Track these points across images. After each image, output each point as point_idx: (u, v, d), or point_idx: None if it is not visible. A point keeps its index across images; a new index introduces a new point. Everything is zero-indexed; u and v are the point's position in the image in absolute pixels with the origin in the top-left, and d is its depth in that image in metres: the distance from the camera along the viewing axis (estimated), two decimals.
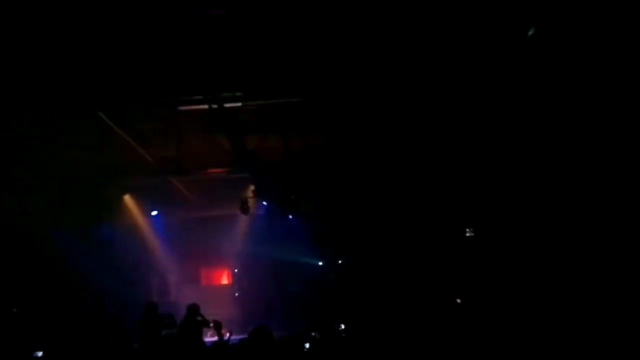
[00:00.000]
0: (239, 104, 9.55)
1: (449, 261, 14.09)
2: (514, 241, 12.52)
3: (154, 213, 15.01)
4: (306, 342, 6.19)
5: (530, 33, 7.29)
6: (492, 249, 13.14)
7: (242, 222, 15.63)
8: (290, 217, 12.12)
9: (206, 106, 9.11)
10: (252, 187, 12.90)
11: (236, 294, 16.79)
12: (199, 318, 9.96)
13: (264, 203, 13.87)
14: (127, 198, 14.03)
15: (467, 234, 14.26)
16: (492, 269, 12.95)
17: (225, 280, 18.47)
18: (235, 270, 17.86)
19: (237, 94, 9.34)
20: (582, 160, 9.68)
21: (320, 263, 16.26)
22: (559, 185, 10.68)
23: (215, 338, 8.43)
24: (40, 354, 9.76)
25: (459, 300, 13.53)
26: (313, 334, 11.87)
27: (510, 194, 12.31)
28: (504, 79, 9.10)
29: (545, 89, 9.07)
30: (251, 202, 13.23)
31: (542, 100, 9.35)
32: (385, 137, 11.70)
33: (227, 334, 12.44)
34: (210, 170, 12.44)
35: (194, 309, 10.01)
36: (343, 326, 12.09)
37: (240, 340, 5.77)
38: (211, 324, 9.15)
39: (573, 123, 9.35)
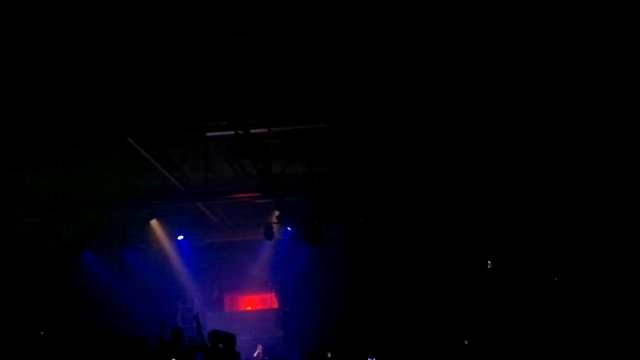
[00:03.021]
0: (265, 130, 9.64)
1: (470, 292, 14.01)
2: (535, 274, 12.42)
3: (180, 238, 15.08)
4: None
5: None
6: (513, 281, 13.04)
7: (268, 247, 15.61)
8: (312, 244, 12.05)
9: (232, 132, 9.22)
10: (276, 213, 12.90)
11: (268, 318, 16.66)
12: (221, 346, 9.82)
13: (289, 229, 13.85)
14: (154, 223, 14.14)
15: (489, 266, 14.22)
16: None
17: (249, 306, 18.39)
18: (263, 296, 17.83)
19: (263, 120, 9.44)
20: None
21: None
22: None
23: None
24: None
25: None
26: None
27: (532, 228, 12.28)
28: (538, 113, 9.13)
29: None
30: (275, 228, 13.23)
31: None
32: (411, 163, 11.65)
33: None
34: (236, 195, 12.51)
35: (214, 337, 9.84)
36: None
37: None
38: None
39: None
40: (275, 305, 17.53)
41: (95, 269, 14.36)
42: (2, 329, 12.71)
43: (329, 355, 12.07)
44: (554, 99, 8.90)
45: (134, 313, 14.19)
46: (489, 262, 14.21)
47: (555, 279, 13.58)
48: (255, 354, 13.96)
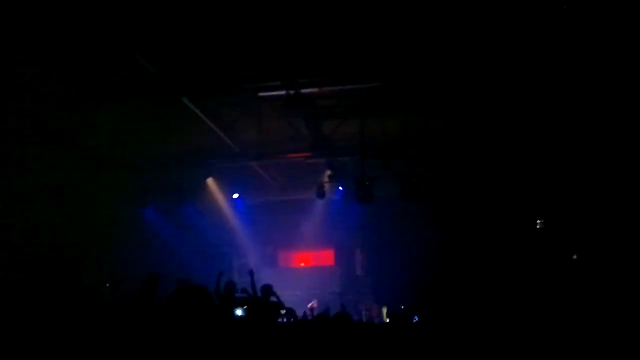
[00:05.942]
0: (316, 90, 9.65)
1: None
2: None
3: (235, 196, 15.46)
4: None
5: None
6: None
7: (320, 206, 15.81)
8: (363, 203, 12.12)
9: (284, 92, 9.28)
10: (328, 172, 13.01)
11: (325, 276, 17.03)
12: (273, 299, 10.12)
13: (340, 188, 13.96)
14: (210, 181, 14.56)
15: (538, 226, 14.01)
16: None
17: (303, 263, 18.81)
18: (316, 253, 18.20)
19: (314, 79, 9.45)
20: None
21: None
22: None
23: None
24: None
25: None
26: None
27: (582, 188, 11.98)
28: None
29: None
30: (327, 187, 13.36)
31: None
32: (465, 120, 11.44)
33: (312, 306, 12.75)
34: (288, 155, 12.66)
35: (267, 290, 10.09)
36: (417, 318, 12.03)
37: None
38: (283, 311, 9.22)
39: None
40: (330, 262, 17.89)
41: (157, 224, 15.00)
42: (74, 279, 13.51)
43: None
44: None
45: (193, 266, 14.79)
46: (538, 221, 14.05)
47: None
48: (309, 305, 14.32)
